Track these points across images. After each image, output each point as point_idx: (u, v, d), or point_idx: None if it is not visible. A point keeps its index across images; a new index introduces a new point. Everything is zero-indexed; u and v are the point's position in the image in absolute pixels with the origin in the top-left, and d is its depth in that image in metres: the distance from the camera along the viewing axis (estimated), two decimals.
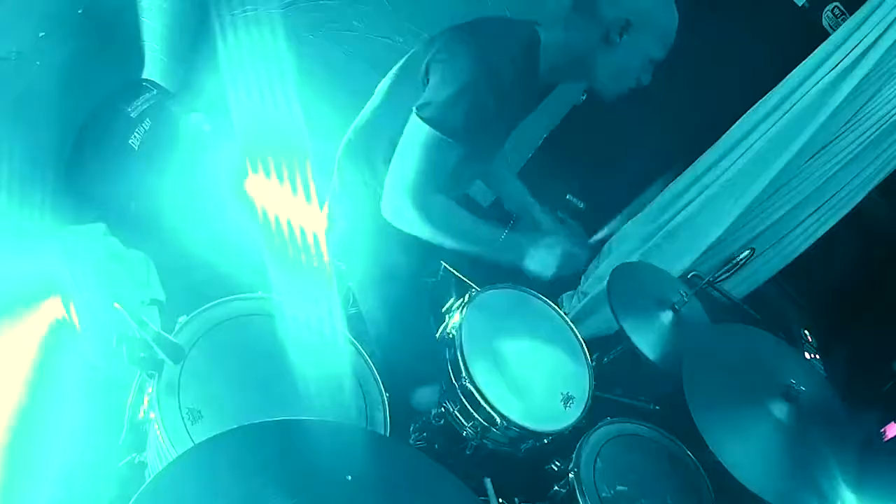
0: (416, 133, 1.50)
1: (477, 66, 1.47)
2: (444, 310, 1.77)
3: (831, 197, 2.58)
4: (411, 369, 1.79)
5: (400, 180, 1.54)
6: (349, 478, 0.93)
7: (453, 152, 1.51)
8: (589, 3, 1.54)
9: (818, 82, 2.28)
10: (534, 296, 1.87)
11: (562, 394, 1.68)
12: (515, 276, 1.82)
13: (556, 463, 1.65)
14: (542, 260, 1.63)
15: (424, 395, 1.77)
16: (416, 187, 1.52)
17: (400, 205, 1.55)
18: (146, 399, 1.25)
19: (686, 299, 1.99)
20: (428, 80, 1.53)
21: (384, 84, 1.74)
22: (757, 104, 2.43)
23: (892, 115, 2.34)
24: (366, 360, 1.49)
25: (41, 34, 1.65)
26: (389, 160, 1.58)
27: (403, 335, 1.83)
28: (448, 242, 1.59)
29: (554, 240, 1.65)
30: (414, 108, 1.50)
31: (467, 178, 1.86)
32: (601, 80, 1.62)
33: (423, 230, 1.56)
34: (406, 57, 1.70)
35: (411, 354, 1.80)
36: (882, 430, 2.14)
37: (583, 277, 2.94)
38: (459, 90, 1.46)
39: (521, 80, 1.57)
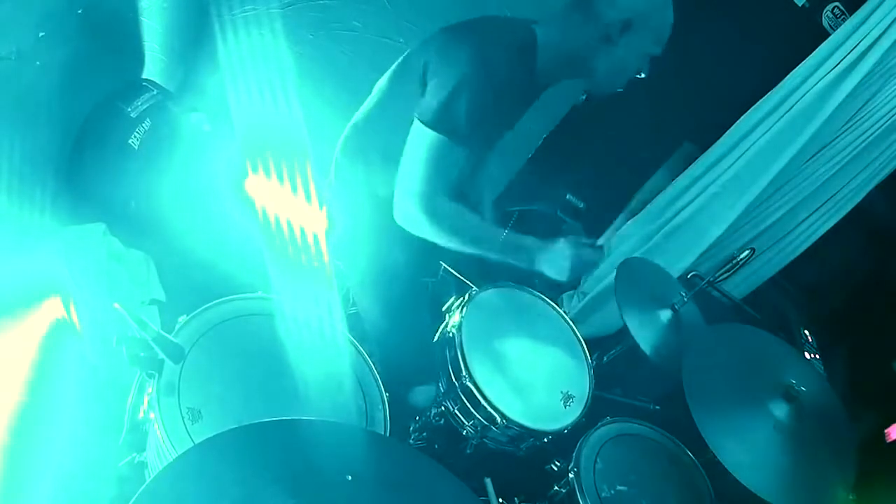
0: (420, 138, 1.51)
1: (473, 63, 1.49)
2: (444, 309, 1.77)
3: (831, 197, 2.58)
4: (408, 368, 1.79)
5: (408, 186, 1.55)
6: (349, 478, 0.93)
7: (458, 153, 1.53)
8: (588, 3, 1.55)
9: (818, 82, 2.28)
10: (534, 295, 1.87)
11: (562, 393, 1.68)
12: (528, 280, 1.83)
13: (557, 463, 1.65)
14: (555, 264, 1.64)
15: (421, 394, 1.77)
16: (424, 192, 1.53)
17: (410, 210, 1.57)
18: (146, 399, 1.25)
19: (686, 299, 1.99)
20: (426, 81, 1.54)
21: (381, 83, 1.75)
22: (757, 104, 2.43)
23: (893, 115, 2.34)
24: (366, 360, 1.49)
25: (41, 34, 1.65)
26: (385, 158, 1.60)
27: (400, 334, 1.84)
28: (458, 246, 1.60)
29: (564, 243, 1.66)
30: (416, 114, 1.51)
31: (463, 173, 1.87)
32: (600, 77, 1.63)
33: (433, 234, 1.58)
34: (403, 56, 1.71)
35: (408, 353, 1.81)
36: (886, 430, 2.14)
37: (582, 277, 2.94)
38: (456, 88, 1.47)
39: (518, 77, 1.58)
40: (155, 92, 2.16)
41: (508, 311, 1.80)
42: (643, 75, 1.62)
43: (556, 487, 1.61)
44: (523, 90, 1.65)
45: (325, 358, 1.40)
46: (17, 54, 1.59)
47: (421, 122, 1.49)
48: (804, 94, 2.31)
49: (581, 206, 2.51)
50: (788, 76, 2.36)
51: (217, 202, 2.06)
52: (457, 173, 1.56)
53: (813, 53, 2.31)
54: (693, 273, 2.58)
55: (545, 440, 1.62)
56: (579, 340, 1.84)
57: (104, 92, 2.07)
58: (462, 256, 1.68)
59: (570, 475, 1.55)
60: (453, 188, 1.59)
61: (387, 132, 1.61)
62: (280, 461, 0.93)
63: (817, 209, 2.61)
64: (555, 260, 1.63)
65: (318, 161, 1.90)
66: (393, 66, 1.73)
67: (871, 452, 2.02)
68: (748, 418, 1.61)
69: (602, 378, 1.86)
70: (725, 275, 1.95)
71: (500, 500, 1.42)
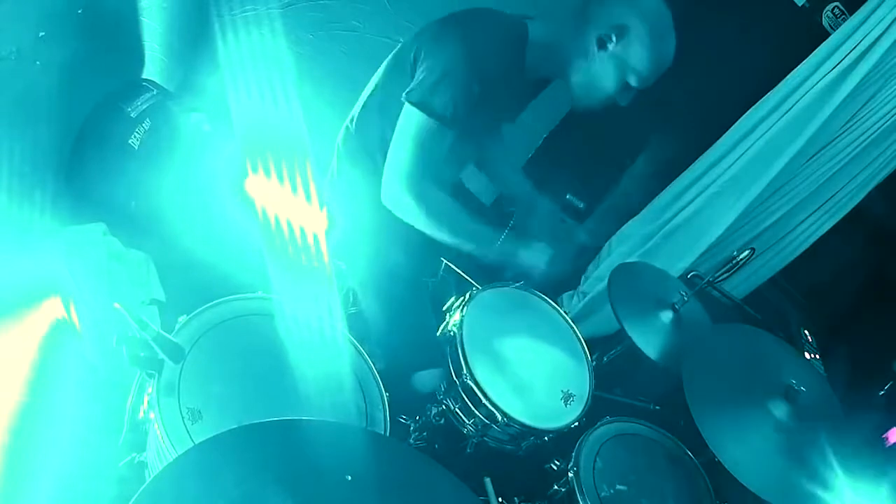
0: (408, 119, 1.54)
1: (461, 52, 1.51)
2: (444, 308, 1.77)
3: (831, 197, 2.58)
4: (409, 368, 1.79)
5: (395, 168, 1.58)
6: (349, 478, 0.93)
7: (444, 136, 1.55)
8: (584, 8, 1.56)
9: (818, 82, 2.28)
10: (534, 294, 1.87)
11: (562, 392, 1.68)
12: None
13: (556, 462, 1.65)
14: (531, 270, 1.72)
15: (426, 378, 1.77)
16: (411, 174, 1.56)
17: (396, 192, 1.59)
18: (146, 399, 1.25)
19: (686, 299, 1.99)
20: (416, 69, 1.57)
21: (377, 76, 1.77)
22: (757, 104, 2.43)
23: (892, 115, 2.34)
24: (366, 360, 1.49)
25: (41, 34, 1.66)
26: (382, 150, 1.62)
27: (401, 334, 1.84)
28: (441, 234, 1.63)
29: (542, 247, 1.72)
30: (404, 96, 1.54)
31: (458, 163, 1.89)
32: (573, 86, 1.64)
33: (418, 218, 1.60)
34: (397, 48, 1.72)
35: (409, 353, 1.81)
36: (884, 435, 2.14)
37: (583, 277, 2.94)
38: (444, 74, 1.50)
39: (507, 70, 1.60)
40: (155, 92, 2.17)
41: (509, 310, 1.80)
42: (621, 104, 1.63)
43: (555, 487, 1.61)
44: (513, 83, 1.66)
45: (325, 358, 1.40)
46: (17, 54, 1.59)
47: (409, 102, 1.52)
48: (804, 95, 2.31)
49: (581, 206, 2.51)
50: (788, 76, 2.36)
51: (217, 202, 2.06)
52: (443, 155, 1.58)
53: (813, 53, 2.31)
54: (693, 273, 2.58)
55: (546, 438, 1.62)
56: (579, 340, 1.84)
57: (104, 92, 2.08)
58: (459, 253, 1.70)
59: (570, 474, 1.55)
60: (441, 173, 1.61)
61: (382, 124, 1.63)
62: (280, 461, 0.93)
63: (817, 209, 2.61)
64: (531, 266, 1.71)
65: (318, 161, 1.90)
66: (387, 60, 1.75)
67: (871, 452, 2.02)
68: (748, 418, 1.61)
69: (602, 378, 1.86)
70: (725, 275, 1.95)
71: (500, 499, 1.42)
